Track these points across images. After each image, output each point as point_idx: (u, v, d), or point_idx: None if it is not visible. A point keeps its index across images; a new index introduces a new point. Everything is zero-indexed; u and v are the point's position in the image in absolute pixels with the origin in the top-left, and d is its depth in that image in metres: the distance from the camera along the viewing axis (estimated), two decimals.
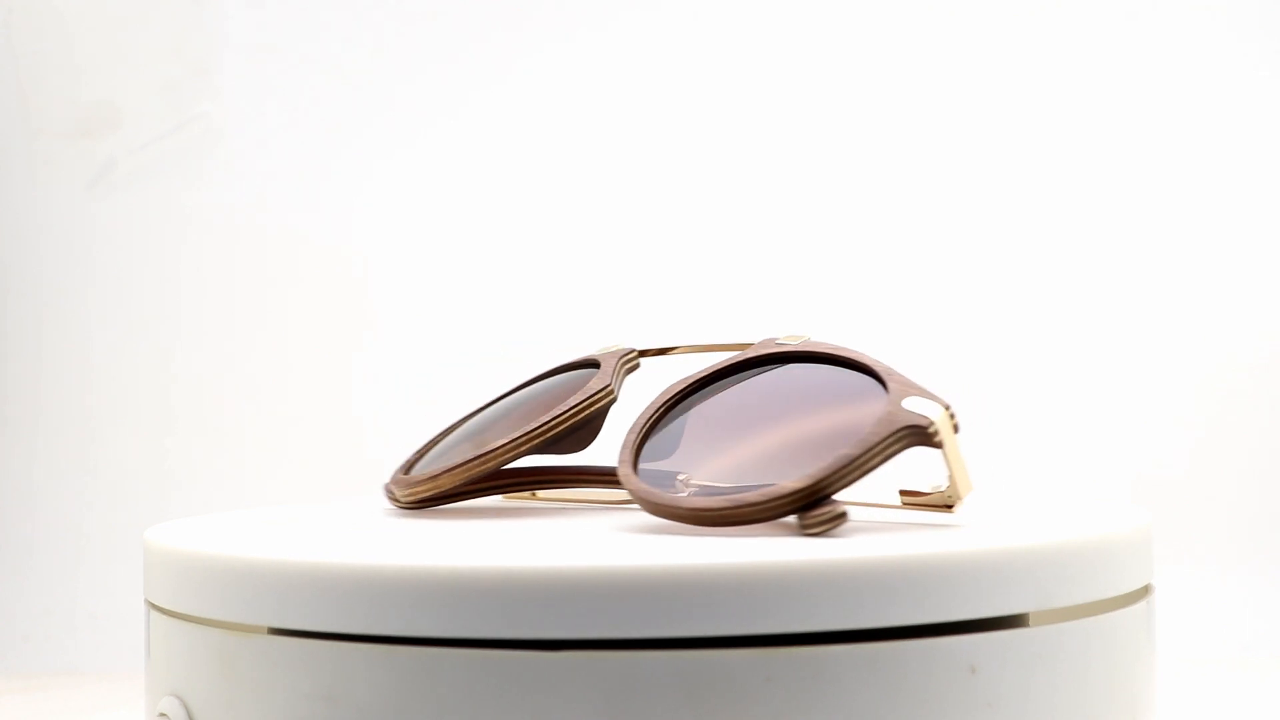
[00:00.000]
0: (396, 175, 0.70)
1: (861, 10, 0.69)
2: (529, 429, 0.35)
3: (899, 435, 0.29)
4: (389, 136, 0.70)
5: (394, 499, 0.37)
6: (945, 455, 0.29)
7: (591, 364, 0.37)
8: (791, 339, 0.34)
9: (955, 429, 0.29)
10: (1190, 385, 0.67)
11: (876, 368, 0.31)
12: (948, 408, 0.29)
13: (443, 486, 0.36)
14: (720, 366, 0.35)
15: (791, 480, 0.29)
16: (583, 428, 0.36)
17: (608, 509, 0.37)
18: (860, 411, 0.30)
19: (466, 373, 0.68)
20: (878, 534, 0.30)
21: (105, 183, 0.71)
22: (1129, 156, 0.68)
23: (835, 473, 0.29)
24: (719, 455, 0.33)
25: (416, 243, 0.70)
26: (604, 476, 0.39)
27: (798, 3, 0.69)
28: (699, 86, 0.70)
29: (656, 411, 0.34)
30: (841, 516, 0.29)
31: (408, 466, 0.38)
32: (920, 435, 0.29)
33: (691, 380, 0.35)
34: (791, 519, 0.30)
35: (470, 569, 0.26)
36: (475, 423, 0.38)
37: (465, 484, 0.36)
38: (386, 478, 0.38)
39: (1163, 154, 0.67)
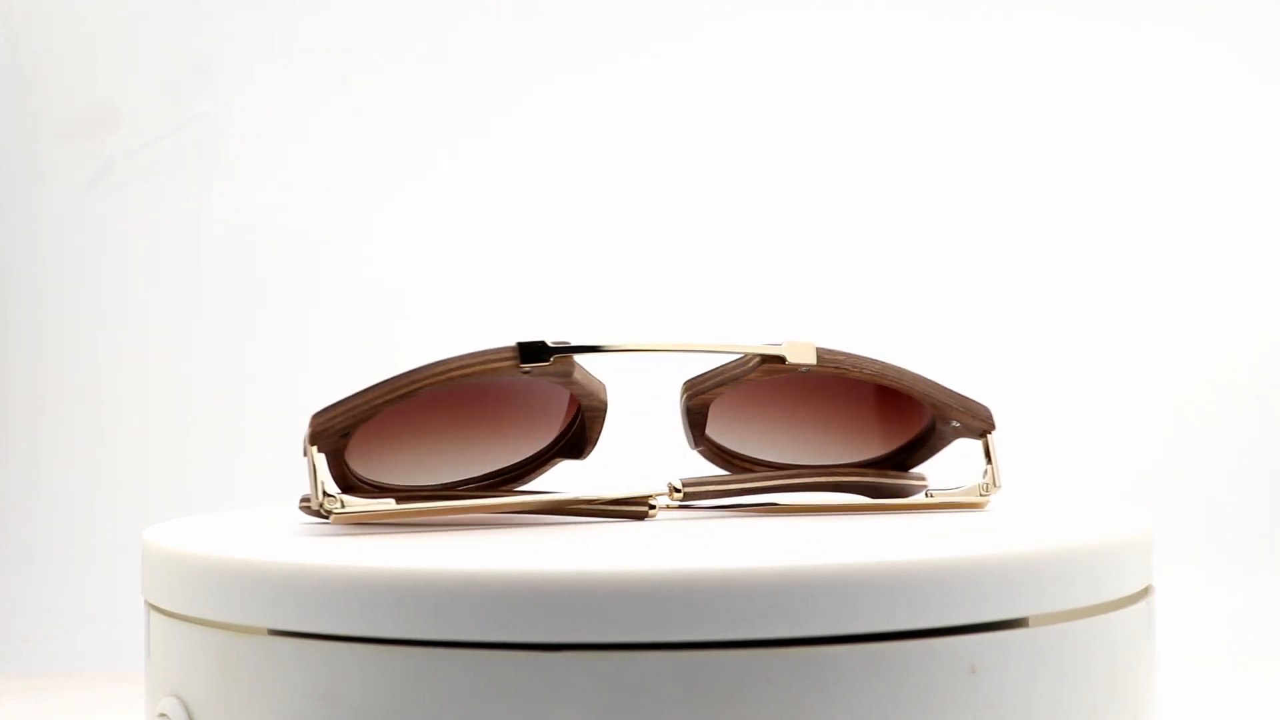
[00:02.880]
0: (396, 174, 0.70)
1: (862, 15, 0.69)
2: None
3: None
4: (389, 136, 0.70)
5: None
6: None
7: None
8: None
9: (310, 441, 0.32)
10: (1190, 385, 0.67)
11: None
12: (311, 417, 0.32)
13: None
14: None
15: None
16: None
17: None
18: None
19: None
20: (879, 538, 0.30)
21: (105, 183, 0.71)
22: (1128, 160, 0.68)
23: None
24: None
25: (416, 241, 0.70)
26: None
27: (798, 12, 0.69)
28: (697, 94, 0.70)
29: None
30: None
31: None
32: None
33: None
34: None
35: (469, 572, 0.26)
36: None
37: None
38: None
39: (1162, 157, 0.67)
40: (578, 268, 0.69)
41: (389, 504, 0.33)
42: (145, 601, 0.32)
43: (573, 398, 0.35)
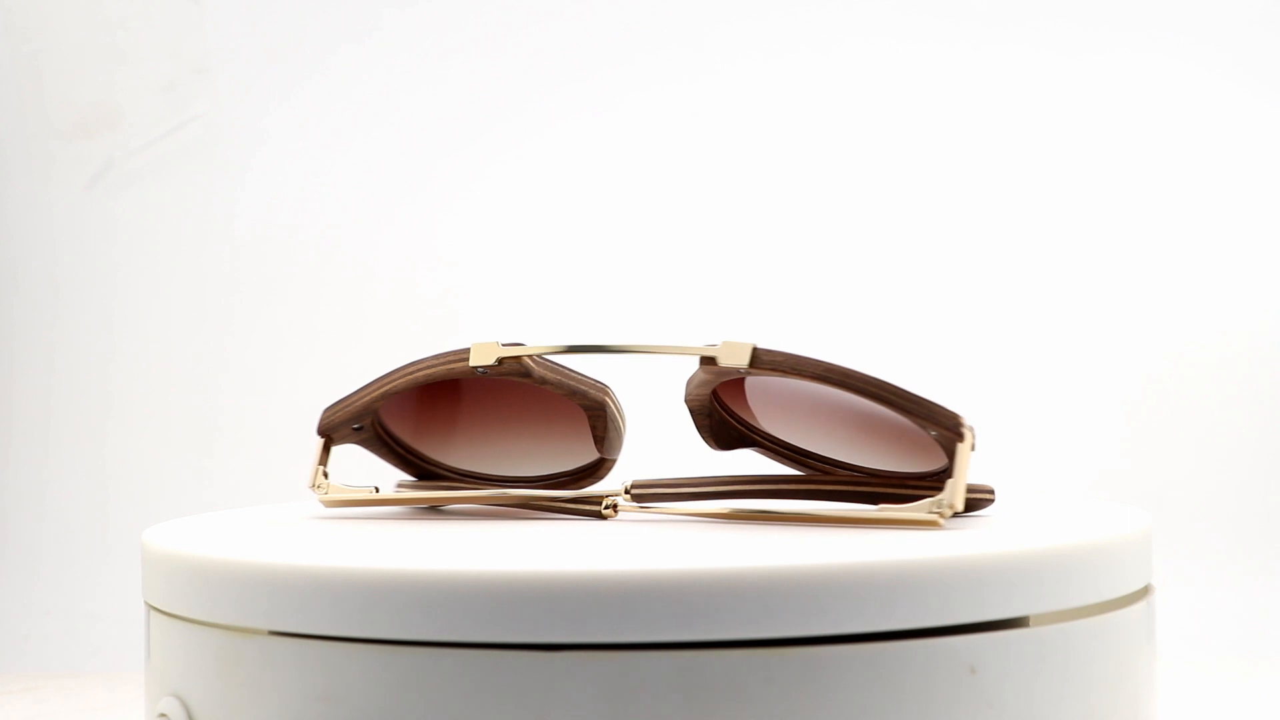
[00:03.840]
0: (396, 173, 0.70)
1: (816, 23, 0.69)
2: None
3: None
4: (388, 135, 0.70)
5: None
6: None
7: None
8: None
9: None
10: (1190, 385, 0.67)
11: None
12: None
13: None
14: None
15: None
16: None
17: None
18: None
19: None
20: (878, 538, 0.30)
21: (105, 183, 0.71)
22: (1123, 158, 0.68)
23: None
24: None
25: (416, 241, 0.70)
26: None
27: (753, 25, 0.69)
28: (685, 103, 0.70)
29: None
30: None
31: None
32: None
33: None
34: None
35: (469, 573, 0.26)
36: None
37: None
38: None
39: (1156, 154, 0.67)
40: (567, 263, 0.70)
41: (367, 491, 0.37)
42: (145, 602, 0.32)
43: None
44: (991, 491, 0.34)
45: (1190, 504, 0.66)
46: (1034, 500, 0.38)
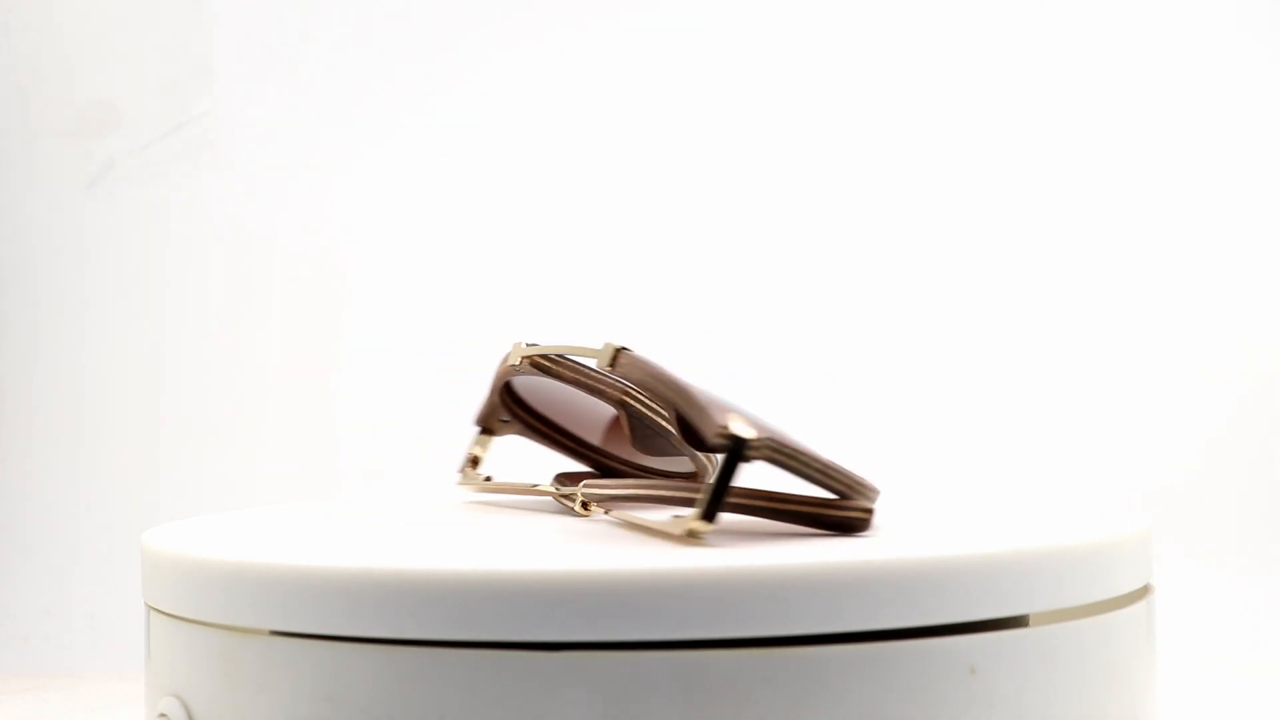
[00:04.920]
0: (397, 177, 0.70)
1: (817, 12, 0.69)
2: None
3: None
4: (389, 138, 0.70)
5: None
6: None
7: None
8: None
9: None
10: (1190, 386, 0.67)
11: None
12: None
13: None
14: None
15: None
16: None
17: (599, 514, 0.37)
18: None
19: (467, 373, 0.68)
20: (878, 537, 0.30)
21: (104, 183, 0.71)
22: (1129, 161, 0.68)
23: None
24: None
25: (414, 244, 0.70)
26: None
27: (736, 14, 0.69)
28: (658, 91, 0.70)
29: None
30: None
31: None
32: None
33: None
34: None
35: (469, 572, 0.26)
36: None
37: None
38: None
39: (1163, 160, 0.67)
40: (562, 263, 0.70)
41: (479, 480, 0.40)
42: (145, 603, 0.32)
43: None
44: (869, 512, 0.30)
45: (1190, 504, 0.66)
46: (1033, 500, 0.38)
